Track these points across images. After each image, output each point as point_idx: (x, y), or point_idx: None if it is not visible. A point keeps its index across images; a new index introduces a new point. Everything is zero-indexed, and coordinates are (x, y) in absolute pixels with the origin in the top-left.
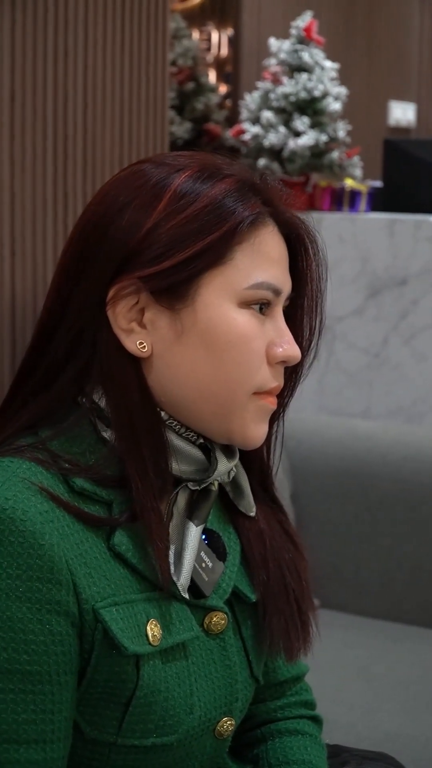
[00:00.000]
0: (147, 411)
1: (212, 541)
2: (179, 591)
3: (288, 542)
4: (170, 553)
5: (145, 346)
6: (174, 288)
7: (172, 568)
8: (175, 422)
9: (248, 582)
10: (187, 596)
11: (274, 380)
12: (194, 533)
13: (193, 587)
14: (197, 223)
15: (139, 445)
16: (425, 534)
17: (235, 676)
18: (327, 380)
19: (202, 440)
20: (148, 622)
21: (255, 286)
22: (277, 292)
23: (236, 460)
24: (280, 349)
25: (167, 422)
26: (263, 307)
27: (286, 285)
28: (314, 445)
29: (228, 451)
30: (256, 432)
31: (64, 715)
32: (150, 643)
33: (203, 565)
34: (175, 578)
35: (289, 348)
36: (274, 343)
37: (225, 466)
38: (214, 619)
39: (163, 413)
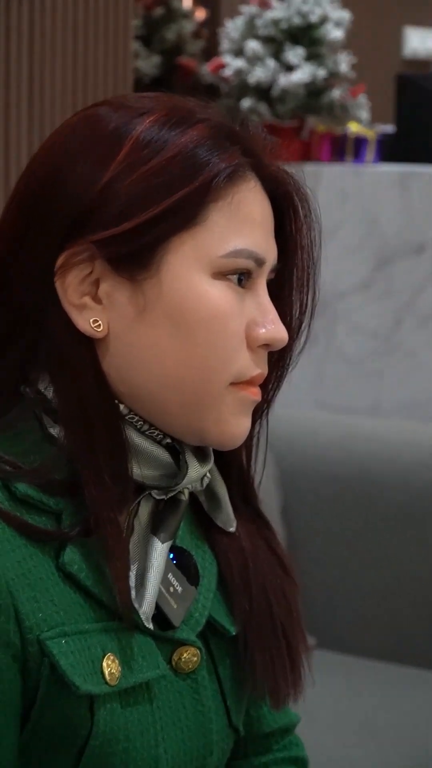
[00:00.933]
0: (103, 403)
1: (182, 562)
2: (141, 620)
3: (275, 564)
4: (131, 574)
5: (100, 325)
6: (135, 254)
7: (133, 592)
8: (137, 417)
9: (227, 611)
10: (151, 627)
11: (256, 367)
12: (160, 551)
13: (160, 616)
14: (163, 177)
15: (93, 444)
16: None
17: (209, 724)
18: (326, 370)
19: (169, 440)
20: (104, 656)
21: (233, 254)
22: (259, 262)
23: (210, 465)
24: (263, 330)
25: (127, 417)
26: (242, 278)
27: (270, 253)
28: (309, 449)
29: (200, 453)
30: (235, 428)
31: (3, 765)
32: (107, 682)
33: (171, 589)
34: (136, 605)
35: (273, 329)
36: (256, 323)
37: (197, 472)
38: (185, 655)
39: (122, 406)
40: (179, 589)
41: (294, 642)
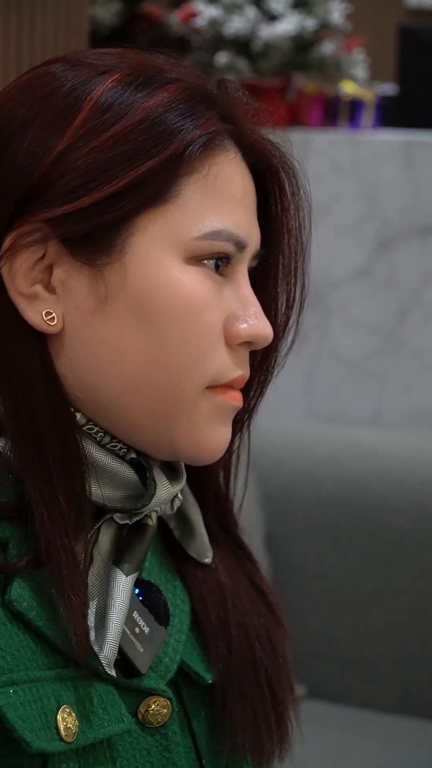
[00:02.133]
0: (56, 410)
1: (149, 598)
2: (102, 666)
3: (259, 602)
4: (90, 612)
5: (53, 318)
6: (95, 235)
7: (92, 633)
8: (96, 428)
9: (201, 657)
10: (113, 674)
11: (237, 368)
12: (124, 585)
13: (123, 662)
14: (128, 145)
15: (44, 459)
16: None
17: None
18: (318, 373)
19: (134, 455)
20: (59, 709)
21: (209, 236)
22: (240, 246)
23: (182, 484)
24: (244, 325)
25: (85, 428)
26: (220, 264)
27: (252, 236)
28: (298, 466)
29: (171, 471)
30: (212, 440)
31: None
32: (62, 739)
33: (137, 630)
34: (96, 648)
35: (256, 324)
36: (236, 317)
37: (167, 492)
38: (153, 706)
39: (78, 415)
40: (146, 629)
41: (280, 693)
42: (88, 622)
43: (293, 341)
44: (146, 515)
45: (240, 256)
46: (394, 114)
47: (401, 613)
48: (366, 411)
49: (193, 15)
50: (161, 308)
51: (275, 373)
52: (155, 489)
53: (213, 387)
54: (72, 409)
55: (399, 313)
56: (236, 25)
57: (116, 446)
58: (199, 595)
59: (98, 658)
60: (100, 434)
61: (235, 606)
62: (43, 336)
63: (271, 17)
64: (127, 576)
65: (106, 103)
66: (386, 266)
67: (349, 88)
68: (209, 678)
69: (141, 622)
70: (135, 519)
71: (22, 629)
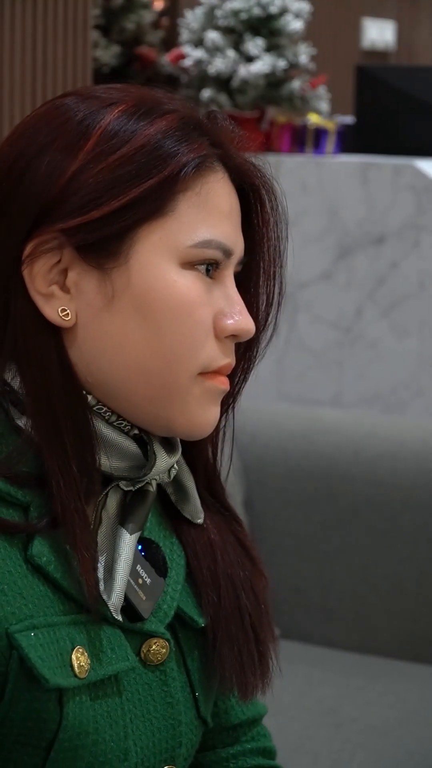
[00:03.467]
0: (70, 393)
1: (150, 553)
2: (110, 612)
3: (243, 557)
4: (99, 566)
5: (68, 314)
6: (104, 243)
7: (101, 584)
8: (105, 408)
9: (195, 603)
10: (120, 618)
11: (224, 357)
12: (128, 542)
13: (128, 608)
14: (131, 167)
15: (60, 435)
16: (407, 548)
17: (178, 716)
18: (287, 361)
19: (136, 431)
20: (73, 649)
21: (201, 244)
22: (227, 253)
23: (178, 455)
24: (231, 321)
25: (95, 408)
26: (210, 269)
27: (238, 245)
28: (272, 441)
29: (168, 444)
30: (202, 418)
31: None
32: (76, 675)
33: (140, 581)
34: (105, 596)
35: (241, 319)
36: (224, 314)
37: (165, 463)
38: (153, 646)
39: (89, 397)
40: (148, 580)
41: (262, 634)
42: (98, 575)
43: (272, 334)
44: (147, 483)
45: (227, 262)
46: (352, 141)
47: (358, 566)
48: (328, 393)
49: (182, 57)
50: (160, 306)
51: (257, 362)
52: (155, 460)
53: (204, 373)
54: (84, 392)
55: (356, 310)
56: (218, 65)
57: (122, 424)
58: (192, 550)
59: (107, 605)
60: (108, 413)
61: (223, 560)
62: (58, 330)
63: (248, 58)
64: (131, 534)
65: (113, 131)
66: (345, 270)
67: (314, 119)
68: (202, 622)
69: (143, 574)
70: (138, 486)
71: (42, 580)
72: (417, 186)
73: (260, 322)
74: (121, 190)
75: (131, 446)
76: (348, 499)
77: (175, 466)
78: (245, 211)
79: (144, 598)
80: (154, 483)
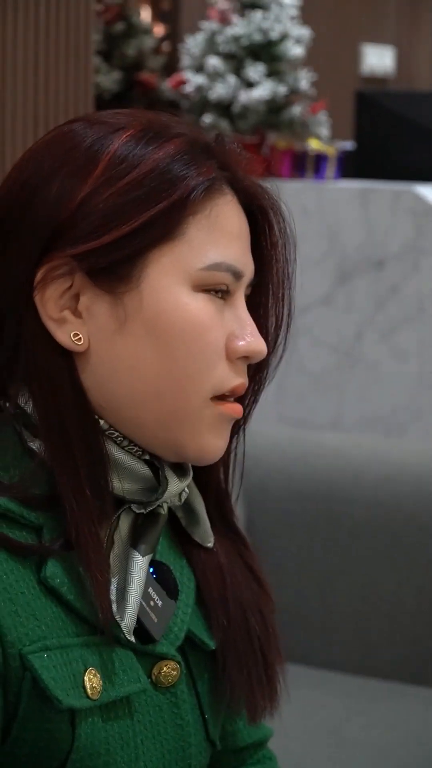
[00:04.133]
0: (82, 416)
1: (161, 576)
2: (123, 634)
3: (251, 580)
4: (112, 588)
5: (80, 339)
6: (115, 267)
7: (114, 605)
8: (117, 433)
9: (205, 626)
10: (132, 639)
11: (236, 377)
12: (141, 564)
13: (140, 630)
14: (142, 191)
15: (73, 458)
16: (407, 570)
17: (188, 738)
18: (288, 384)
19: (147, 456)
20: (86, 671)
21: (212, 267)
22: (237, 276)
23: (189, 479)
24: (242, 342)
25: (107, 432)
26: (221, 293)
27: (248, 267)
28: (273, 464)
29: (179, 468)
30: (213, 444)
31: None
32: (88, 696)
33: (151, 603)
34: (118, 618)
35: (252, 341)
36: (235, 335)
37: (176, 487)
38: (165, 669)
39: (101, 422)
40: (159, 603)
41: (270, 657)
42: (111, 596)
43: (282, 356)
44: (159, 506)
45: (237, 284)
46: (352, 166)
47: (358, 587)
48: (328, 416)
49: (183, 82)
50: (172, 328)
51: (267, 383)
52: (167, 485)
53: (216, 399)
54: (96, 417)
55: (356, 334)
56: (219, 91)
57: (133, 449)
58: (202, 574)
59: (120, 626)
60: (119, 438)
61: (232, 583)
62: (70, 354)
63: (249, 84)
64: (143, 557)
65: (122, 156)
66: (345, 294)
67: (314, 145)
68: (212, 645)
69: (155, 596)
70: (149, 509)
71: (55, 602)
72: (416, 210)
73: (270, 343)
74: (131, 215)
75: (143, 469)
76: (348, 521)
77: (185, 489)
78: (254, 234)
79: (156, 620)
80: (165, 506)
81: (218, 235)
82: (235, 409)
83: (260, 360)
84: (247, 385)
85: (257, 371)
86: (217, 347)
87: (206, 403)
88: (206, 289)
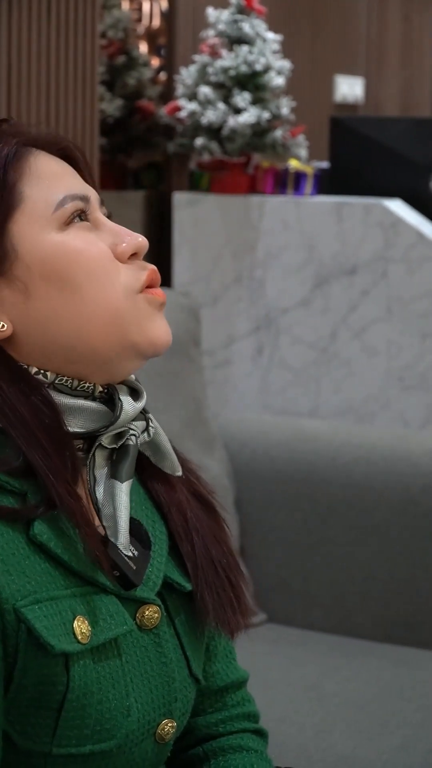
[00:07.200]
0: (27, 392)
1: (135, 529)
2: (109, 581)
3: (203, 511)
4: (104, 516)
5: (3, 325)
6: None
7: (108, 531)
8: (65, 378)
9: (179, 571)
10: (130, 554)
11: (141, 270)
12: (123, 489)
13: (121, 578)
14: None
15: (34, 436)
16: (378, 542)
17: (172, 674)
18: (271, 378)
19: (100, 389)
20: (75, 618)
21: (60, 204)
22: (84, 199)
23: (143, 401)
24: (124, 244)
25: (56, 383)
26: (82, 216)
27: (88, 190)
28: (258, 448)
29: (133, 392)
30: (158, 330)
31: None
32: (78, 641)
33: (129, 553)
34: (113, 539)
35: (131, 239)
36: (116, 243)
37: (132, 407)
38: (147, 612)
39: (49, 374)
40: (135, 553)
41: (233, 578)
42: (105, 524)
43: None
44: (127, 438)
45: (89, 205)
46: (327, 184)
47: (336, 556)
48: (307, 406)
49: (178, 109)
50: (61, 267)
51: None
52: (122, 405)
53: (140, 292)
54: (41, 377)
55: (331, 333)
56: (210, 116)
57: (85, 386)
58: (168, 511)
59: (104, 574)
60: (69, 381)
61: (192, 517)
62: (3, 340)
63: (236, 110)
64: (123, 483)
65: None
66: (322, 298)
67: (294, 164)
68: (188, 587)
69: (132, 548)
70: (120, 443)
71: (44, 558)
72: (385, 223)
73: None
74: None
75: (97, 406)
76: (326, 499)
77: (151, 423)
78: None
79: (134, 567)
80: (133, 438)
81: (48, 180)
82: (159, 293)
83: (146, 250)
84: (157, 270)
85: None
86: (107, 257)
87: (135, 297)
88: (69, 221)
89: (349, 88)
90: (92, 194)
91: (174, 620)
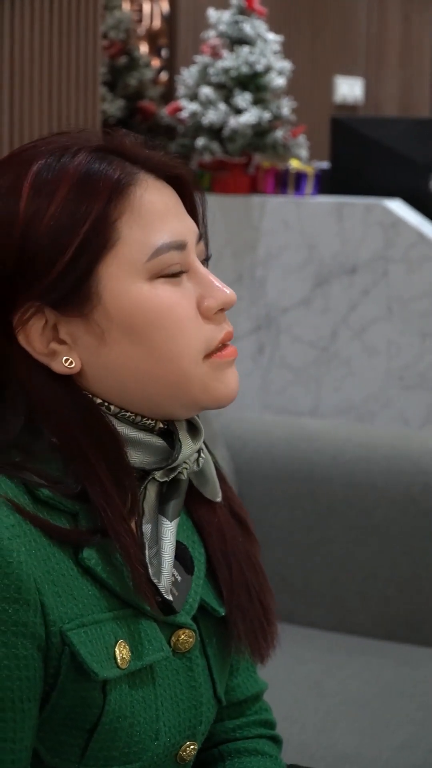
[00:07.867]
0: (92, 427)
1: (180, 553)
2: (148, 607)
3: (237, 527)
4: (147, 555)
5: (72, 362)
6: (72, 294)
7: (150, 570)
8: (128, 413)
9: (214, 595)
10: (170, 599)
11: (220, 329)
12: (170, 528)
13: (162, 603)
14: (65, 220)
15: (94, 469)
16: (379, 540)
17: (200, 698)
18: (272, 377)
19: (161, 425)
20: (116, 643)
21: (155, 254)
22: (180, 246)
23: (202, 440)
24: (212, 299)
25: (119, 415)
26: (177, 274)
27: (189, 233)
28: (259, 446)
29: (192, 430)
30: (223, 389)
31: (25, 744)
32: (118, 666)
33: (173, 579)
34: (155, 580)
35: (220, 294)
36: (203, 297)
37: (190, 448)
38: (182, 636)
39: (112, 407)
40: (179, 578)
41: (266, 602)
42: (146, 561)
43: None
44: (179, 472)
45: (185, 253)
46: (328, 183)
47: (336, 555)
48: (307, 405)
49: (179, 109)
50: (144, 323)
51: None
52: (181, 447)
53: (209, 354)
54: (105, 410)
55: (332, 332)
56: (211, 117)
57: (148, 423)
58: (208, 534)
59: (145, 601)
60: (131, 417)
61: (230, 539)
62: (68, 378)
63: (237, 111)
64: (170, 521)
65: (34, 209)
66: (322, 297)
67: (295, 164)
68: (222, 612)
69: (175, 572)
70: (171, 476)
71: (90, 581)
72: (385, 223)
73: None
74: (64, 245)
75: (158, 441)
76: (327, 497)
77: (202, 455)
78: (184, 198)
79: (176, 593)
80: (185, 472)
81: (148, 222)
82: (230, 352)
83: (234, 304)
84: (232, 329)
85: None
86: (191, 317)
87: (201, 364)
88: (161, 275)
89: (349, 88)
90: (190, 235)
91: (205, 644)
